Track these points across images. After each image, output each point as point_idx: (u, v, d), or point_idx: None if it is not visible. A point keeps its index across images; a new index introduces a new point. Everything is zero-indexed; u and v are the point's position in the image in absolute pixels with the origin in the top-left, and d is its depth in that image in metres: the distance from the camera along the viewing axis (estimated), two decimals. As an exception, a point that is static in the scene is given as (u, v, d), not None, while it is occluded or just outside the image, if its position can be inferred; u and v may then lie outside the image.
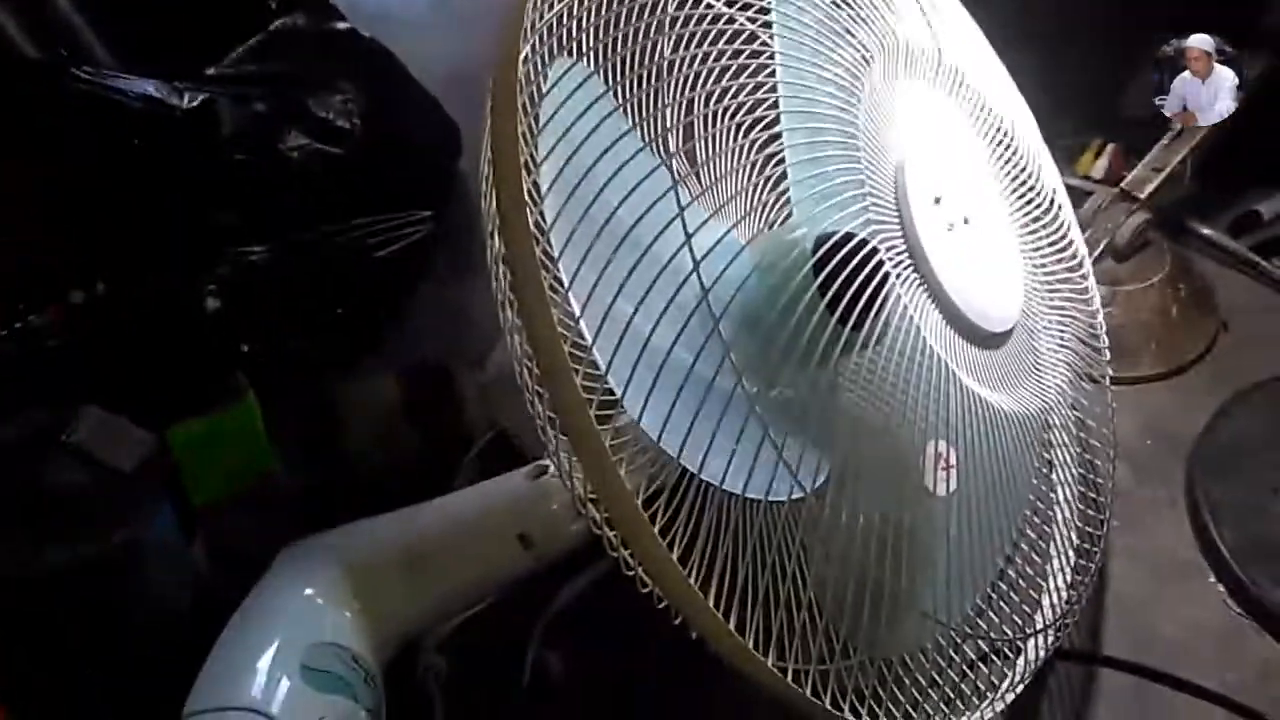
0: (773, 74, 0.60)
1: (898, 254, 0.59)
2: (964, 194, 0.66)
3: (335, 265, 0.96)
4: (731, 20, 0.60)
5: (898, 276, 0.58)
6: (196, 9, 0.95)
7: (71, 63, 0.81)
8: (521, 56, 0.52)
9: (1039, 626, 0.71)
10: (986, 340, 0.65)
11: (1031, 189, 0.77)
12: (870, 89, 0.63)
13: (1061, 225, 0.80)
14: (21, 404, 0.74)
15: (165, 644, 0.71)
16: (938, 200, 0.62)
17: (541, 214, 0.51)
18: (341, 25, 1.00)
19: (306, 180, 0.92)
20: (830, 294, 0.54)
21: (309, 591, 0.66)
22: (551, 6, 0.54)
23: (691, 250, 0.50)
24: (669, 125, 0.59)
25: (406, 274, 1.02)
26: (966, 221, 0.64)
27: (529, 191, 0.49)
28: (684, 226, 0.50)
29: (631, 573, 0.53)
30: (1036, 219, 0.78)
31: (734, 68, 0.58)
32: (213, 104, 0.86)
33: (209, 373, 0.84)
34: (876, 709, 0.58)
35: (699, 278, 0.50)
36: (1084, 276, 0.82)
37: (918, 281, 0.60)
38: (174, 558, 0.73)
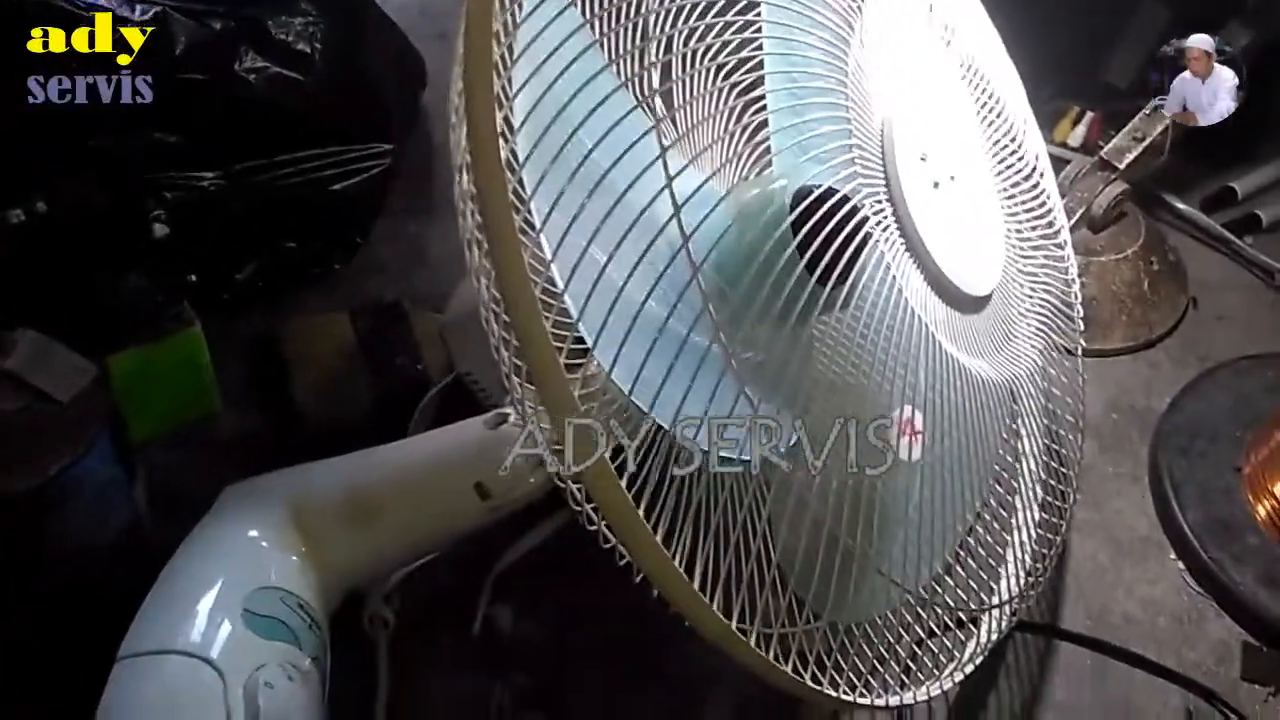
0: (758, 14, 0.57)
1: (881, 210, 0.57)
2: (950, 152, 0.64)
3: (289, 196, 0.92)
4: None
5: (881, 233, 0.55)
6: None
7: (16, -34, 0.76)
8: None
9: (1000, 600, 0.70)
10: (965, 304, 0.63)
11: (1014, 153, 0.76)
12: (860, 37, 0.60)
13: (1042, 192, 0.78)
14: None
15: (100, 584, 0.68)
16: (924, 157, 0.60)
17: (513, 150, 0.48)
18: (307, -56, 0.95)
19: (263, 106, 0.88)
20: (810, 252, 0.52)
21: (253, 533, 0.64)
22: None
23: (673, 194, 0.47)
24: (648, 63, 0.56)
25: (363, 209, 0.99)
26: (952, 179, 0.62)
27: (501, 125, 0.46)
28: (665, 168, 0.47)
29: (594, 528, 0.51)
30: (1017, 184, 0.76)
31: (718, 5, 0.55)
32: (166, 19, 0.82)
33: (154, 302, 0.80)
34: (838, 676, 0.57)
35: (679, 224, 0.47)
36: (1061, 245, 0.81)
37: (900, 240, 0.58)
38: (112, 494, 0.70)
